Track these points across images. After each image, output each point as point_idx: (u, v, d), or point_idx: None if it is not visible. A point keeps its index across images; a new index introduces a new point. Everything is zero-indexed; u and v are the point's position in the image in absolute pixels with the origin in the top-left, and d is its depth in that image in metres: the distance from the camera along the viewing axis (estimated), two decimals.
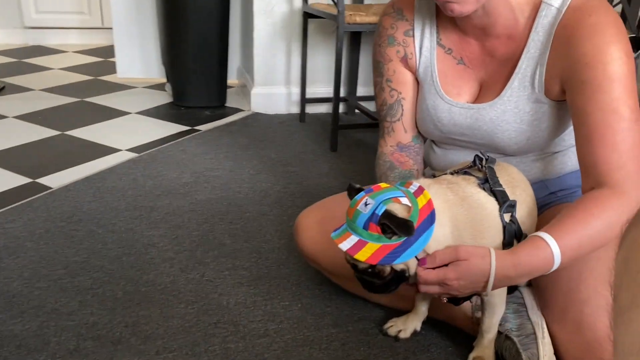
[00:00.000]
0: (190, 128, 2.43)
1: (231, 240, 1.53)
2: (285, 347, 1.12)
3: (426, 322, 1.17)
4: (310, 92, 2.63)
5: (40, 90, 2.90)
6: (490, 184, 0.98)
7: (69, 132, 2.32)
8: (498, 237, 0.96)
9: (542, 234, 0.92)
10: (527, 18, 1.02)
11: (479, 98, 1.11)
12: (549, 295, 1.05)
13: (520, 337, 1.03)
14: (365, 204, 0.90)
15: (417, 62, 1.15)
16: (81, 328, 1.16)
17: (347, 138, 2.38)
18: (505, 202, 0.97)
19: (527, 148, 1.11)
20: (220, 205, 1.74)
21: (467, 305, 1.14)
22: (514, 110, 1.06)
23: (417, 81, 1.17)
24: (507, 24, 1.03)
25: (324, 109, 2.72)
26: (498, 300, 1.02)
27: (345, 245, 0.90)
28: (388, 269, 0.92)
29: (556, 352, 1.01)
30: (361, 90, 2.74)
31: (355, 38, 2.62)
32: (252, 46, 2.61)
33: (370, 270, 0.93)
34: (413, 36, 1.14)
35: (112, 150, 2.15)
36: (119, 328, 1.16)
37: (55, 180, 1.87)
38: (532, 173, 1.15)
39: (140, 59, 3.00)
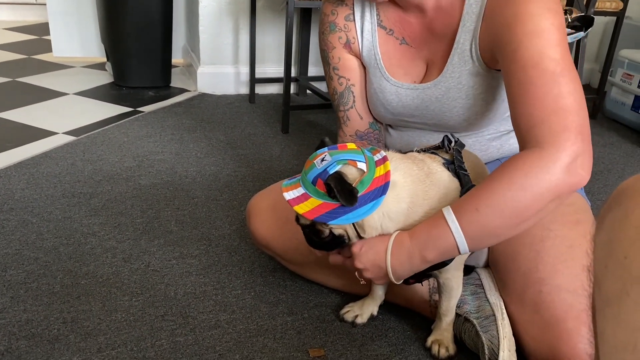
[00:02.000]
0: (132, 109, 2.34)
1: (178, 227, 1.47)
2: (238, 339, 1.08)
3: (384, 307, 1.16)
4: (260, 72, 2.57)
5: None
6: (455, 166, 0.96)
7: None
8: None
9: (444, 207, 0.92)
10: None
11: (425, 77, 1.10)
12: (507, 276, 1.04)
13: (480, 319, 1.02)
14: (322, 160, 0.90)
15: (360, 46, 1.13)
16: (13, 326, 1.08)
17: (298, 119, 2.35)
18: (467, 185, 0.95)
19: (479, 124, 1.09)
20: (165, 190, 1.66)
21: (424, 288, 1.14)
22: (457, 87, 1.04)
23: (364, 66, 1.15)
24: None
25: (274, 89, 2.67)
26: (454, 282, 1.01)
27: (289, 195, 0.91)
28: (327, 231, 0.92)
29: (515, 333, 1.00)
30: (313, 70, 2.70)
31: (306, 15, 2.57)
32: (197, 23, 2.53)
33: (308, 228, 0.94)
34: (354, 20, 1.12)
35: (47, 134, 2.03)
36: (56, 325, 1.09)
37: None
38: (488, 152, 1.15)
39: (77, 37, 2.90)
